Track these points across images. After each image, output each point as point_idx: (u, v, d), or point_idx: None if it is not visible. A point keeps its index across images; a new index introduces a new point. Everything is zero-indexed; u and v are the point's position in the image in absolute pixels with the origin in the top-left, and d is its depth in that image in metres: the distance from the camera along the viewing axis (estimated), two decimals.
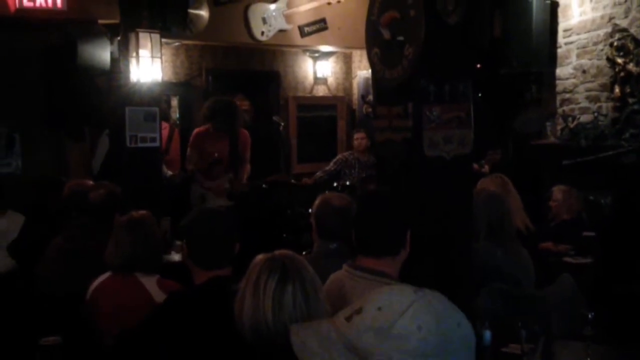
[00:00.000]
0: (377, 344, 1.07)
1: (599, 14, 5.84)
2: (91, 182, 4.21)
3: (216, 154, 5.90)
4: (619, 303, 3.85)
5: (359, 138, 7.10)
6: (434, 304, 1.12)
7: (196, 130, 6.20)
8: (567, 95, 6.25)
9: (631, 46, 5.52)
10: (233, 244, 2.55)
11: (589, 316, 2.49)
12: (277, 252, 1.94)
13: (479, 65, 5.59)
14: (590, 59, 5.97)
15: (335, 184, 6.74)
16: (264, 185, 6.48)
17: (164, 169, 6.46)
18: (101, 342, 2.87)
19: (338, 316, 1.17)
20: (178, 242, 4.40)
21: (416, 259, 2.57)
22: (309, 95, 8.94)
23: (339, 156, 7.43)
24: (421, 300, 1.11)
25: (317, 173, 7.29)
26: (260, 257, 1.93)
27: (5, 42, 6.15)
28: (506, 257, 3.39)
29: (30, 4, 5.64)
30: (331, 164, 7.28)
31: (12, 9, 5.64)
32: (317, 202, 3.24)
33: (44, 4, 5.68)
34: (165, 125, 6.52)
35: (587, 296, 3.21)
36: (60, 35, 6.00)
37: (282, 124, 7.44)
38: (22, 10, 5.64)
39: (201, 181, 5.98)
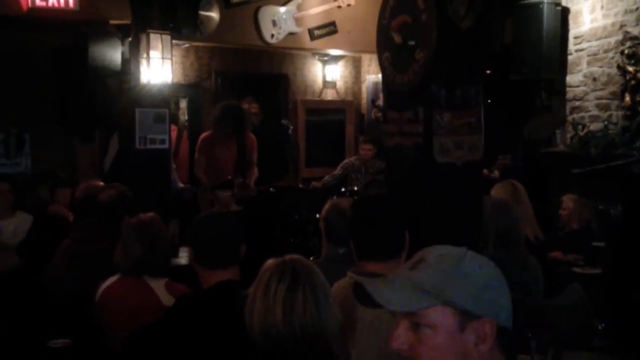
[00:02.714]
0: (446, 281, 1.27)
1: (610, 21, 5.82)
2: (101, 183, 4.21)
3: (229, 177, 5.89)
4: (628, 313, 3.82)
5: (366, 149, 7.10)
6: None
7: (202, 136, 6.18)
8: (577, 103, 6.23)
9: None
10: (238, 245, 2.55)
11: (599, 327, 2.47)
12: (287, 256, 1.94)
13: (489, 71, 5.57)
14: (600, 67, 5.95)
15: (343, 189, 6.74)
16: (271, 189, 6.47)
17: (175, 178, 6.45)
18: (110, 344, 2.87)
19: (399, 271, 1.35)
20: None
21: None
22: (317, 99, 8.94)
23: (345, 161, 7.43)
24: (472, 252, 1.32)
25: (325, 177, 7.29)
26: (270, 261, 1.93)
27: (17, 41, 6.19)
28: (514, 266, 3.37)
29: (43, 4, 5.66)
30: (338, 168, 7.29)
31: (25, 8, 5.66)
32: (326, 206, 3.23)
33: (56, 4, 5.69)
34: (173, 127, 6.53)
35: (597, 307, 3.19)
36: (72, 35, 6.02)
37: (291, 127, 7.43)
38: (34, 10, 5.66)
39: (209, 186, 5.97)
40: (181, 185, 6.54)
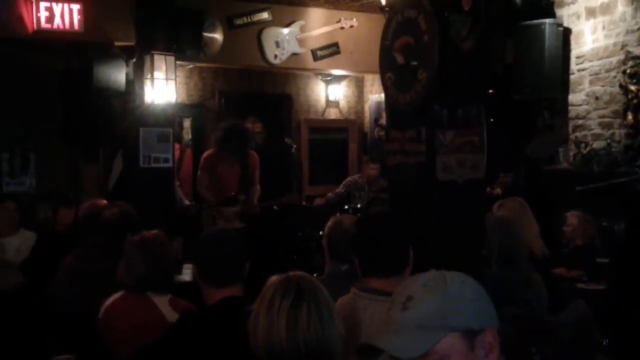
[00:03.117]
0: (443, 309, 1.27)
1: (611, 41, 5.85)
2: (104, 202, 4.22)
3: (233, 193, 5.90)
4: (632, 329, 3.81)
5: (374, 168, 7.10)
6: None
7: (205, 154, 6.20)
8: (580, 122, 6.24)
9: None
10: (242, 263, 2.56)
11: (603, 342, 2.47)
12: (291, 273, 1.94)
13: (491, 91, 5.60)
14: (602, 86, 5.97)
15: (346, 207, 6.75)
16: (275, 207, 6.49)
17: (180, 194, 6.47)
18: None
19: (391, 317, 1.33)
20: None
21: None
22: (321, 118, 8.98)
23: (348, 179, 7.44)
24: (445, 271, 1.34)
25: (328, 194, 7.31)
26: (274, 277, 1.93)
27: (23, 63, 6.24)
28: (518, 283, 3.37)
29: (48, 26, 5.72)
30: (341, 186, 7.29)
31: (30, 30, 5.73)
32: (329, 223, 3.24)
33: (61, 26, 5.75)
34: (176, 146, 6.57)
35: (601, 322, 3.18)
36: (77, 57, 6.08)
37: (294, 146, 7.47)
38: (40, 32, 5.73)
39: (213, 204, 5.97)
40: (187, 202, 6.56)
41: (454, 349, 1.27)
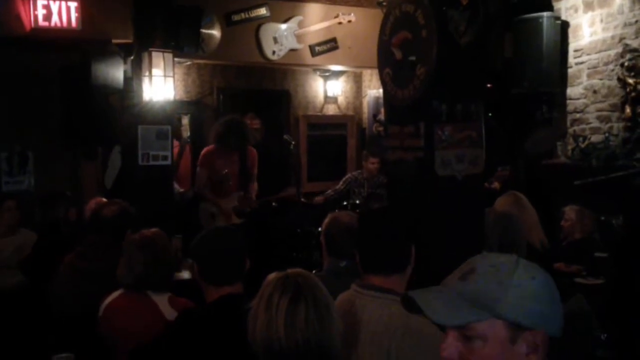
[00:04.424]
0: (496, 294, 1.25)
1: (609, 34, 5.85)
2: (104, 200, 4.22)
3: (226, 170, 5.91)
4: (631, 324, 3.82)
5: (375, 162, 7.07)
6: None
7: (205, 150, 6.21)
8: (578, 115, 6.25)
9: None
10: (243, 261, 2.56)
11: (602, 337, 2.47)
12: (290, 270, 1.95)
13: (489, 85, 5.60)
14: (601, 79, 5.97)
15: (345, 203, 6.74)
16: (273, 203, 6.49)
17: (175, 185, 6.48)
18: (113, 358, 2.87)
19: (448, 281, 1.33)
20: (189, 260, 4.40)
21: (427, 279, 2.56)
22: (319, 114, 8.98)
23: (348, 175, 7.43)
24: (523, 261, 1.31)
25: (328, 191, 7.30)
26: (273, 275, 1.94)
27: (21, 61, 6.23)
28: None
29: (46, 24, 5.71)
30: (340, 183, 7.28)
31: (28, 28, 5.72)
32: (327, 220, 3.24)
33: (59, 24, 5.74)
34: (175, 143, 6.57)
35: (600, 317, 3.18)
36: (75, 54, 6.07)
37: (293, 142, 7.47)
38: (38, 30, 5.71)
39: (211, 199, 5.98)
40: (181, 190, 6.57)
41: (492, 333, 1.25)
